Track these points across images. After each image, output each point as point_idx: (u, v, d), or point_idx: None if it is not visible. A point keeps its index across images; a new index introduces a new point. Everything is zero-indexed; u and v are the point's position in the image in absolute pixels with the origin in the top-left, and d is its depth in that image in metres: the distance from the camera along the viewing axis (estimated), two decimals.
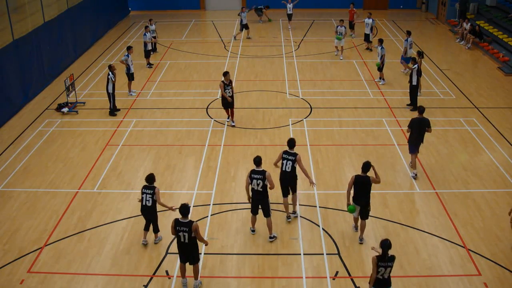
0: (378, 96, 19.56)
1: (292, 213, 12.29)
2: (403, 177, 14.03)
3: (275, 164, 12.13)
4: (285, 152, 11.78)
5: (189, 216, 9.73)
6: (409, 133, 13.77)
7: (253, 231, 11.70)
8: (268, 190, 11.18)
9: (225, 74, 16.16)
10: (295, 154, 11.67)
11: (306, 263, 10.79)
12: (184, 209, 9.63)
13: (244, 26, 27.16)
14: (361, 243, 11.39)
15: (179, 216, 9.70)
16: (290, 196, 12.09)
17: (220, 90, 16.77)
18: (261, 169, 11.11)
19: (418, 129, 13.61)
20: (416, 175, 13.92)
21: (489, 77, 21.69)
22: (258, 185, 11.07)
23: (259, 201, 11.27)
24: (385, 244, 8.68)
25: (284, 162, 11.71)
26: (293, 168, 11.64)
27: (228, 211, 12.62)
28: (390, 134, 16.40)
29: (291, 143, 11.81)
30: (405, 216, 12.34)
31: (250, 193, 11.31)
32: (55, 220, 12.37)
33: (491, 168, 14.42)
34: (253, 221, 11.64)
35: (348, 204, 11.12)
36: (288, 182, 11.86)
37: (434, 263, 10.75)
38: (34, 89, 19.94)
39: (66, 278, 10.48)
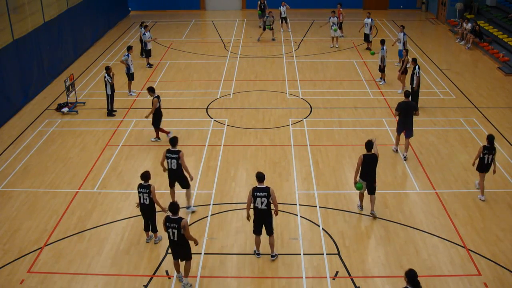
0: (378, 96, 19.57)
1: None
2: (403, 177, 14.04)
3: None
4: (168, 151, 11.96)
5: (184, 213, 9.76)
6: (397, 117, 14.95)
7: (258, 254, 10.94)
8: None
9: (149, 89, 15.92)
10: (178, 152, 11.89)
11: (306, 263, 10.79)
12: (173, 206, 9.61)
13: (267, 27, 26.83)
14: (373, 215, 12.15)
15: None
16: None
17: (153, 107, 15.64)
18: (264, 186, 10.40)
19: (405, 112, 14.58)
20: (397, 151, 15.20)
21: (489, 77, 21.69)
22: (262, 203, 10.34)
23: (263, 220, 10.56)
24: (413, 274, 8.03)
25: (169, 161, 11.95)
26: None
27: (228, 211, 12.62)
28: (390, 134, 16.40)
29: (173, 141, 12.04)
30: (405, 216, 12.34)
31: (251, 212, 10.66)
32: (55, 220, 12.37)
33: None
34: (258, 243, 10.84)
35: (356, 182, 11.96)
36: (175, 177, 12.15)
37: (434, 263, 10.76)
38: (34, 89, 19.95)
39: (66, 278, 10.49)
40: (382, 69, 20.60)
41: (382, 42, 20.61)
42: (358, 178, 11.93)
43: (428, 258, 10.92)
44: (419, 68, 17.75)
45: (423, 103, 18.52)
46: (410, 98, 14.87)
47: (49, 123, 17.68)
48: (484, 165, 12.81)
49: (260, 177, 10.44)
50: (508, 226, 11.93)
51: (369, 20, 24.52)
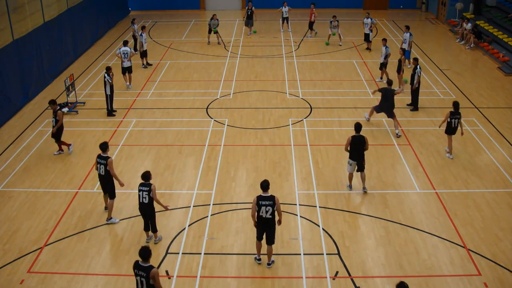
0: (378, 96, 19.52)
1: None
2: (403, 177, 14.04)
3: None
4: (99, 156, 11.69)
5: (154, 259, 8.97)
6: (380, 97, 16.72)
7: (259, 260, 10.77)
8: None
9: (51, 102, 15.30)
10: (107, 158, 11.76)
11: (306, 263, 10.79)
12: (144, 252, 8.54)
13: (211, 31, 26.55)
14: (365, 192, 13.15)
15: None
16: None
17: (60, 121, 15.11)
18: (269, 194, 10.20)
19: (385, 96, 16.37)
20: (368, 119, 17.04)
21: (489, 77, 21.69)
22: (267, 212, 10.13)
23: (266, 228, 10.38)
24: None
25: (98, 165, 11.86)
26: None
27: (228, 211, 12.62)
28: (390, 134, 16.39)
29: (103, 146, 12.01)
30: (405, 216, 12.34)
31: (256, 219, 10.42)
32: (55, 220, 12.37)
33: (491, 168, 14.43)
34: (259, 248, 10.66)
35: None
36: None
37: (434, 263, 10.76)
38: (34, 89, 19.94)
39: (66, 278, 10.48)
40: (382, 68, 20.60)
41: (385, 40, 20.68)
42: (349, 159, 13.07)
43: (428, 258, 10.92)
44: (420, 68, 17.77)
45: (423, 103, 18.52)
46: (391, 86, 16.53)
47: (49, 123, 17.64)
48: (451, 128, 14.63)
49: (265, 186, 10.21)
50: (508, 226, 11.93)
51: (369, 20, 24.58)
